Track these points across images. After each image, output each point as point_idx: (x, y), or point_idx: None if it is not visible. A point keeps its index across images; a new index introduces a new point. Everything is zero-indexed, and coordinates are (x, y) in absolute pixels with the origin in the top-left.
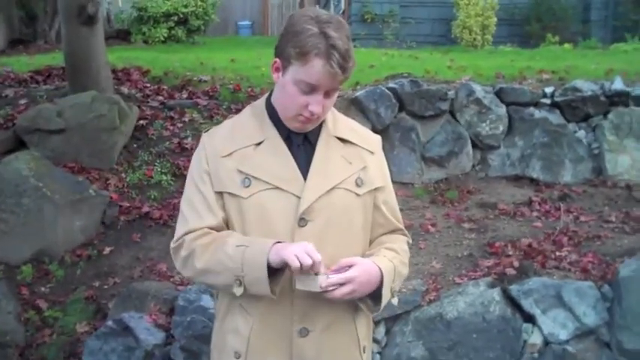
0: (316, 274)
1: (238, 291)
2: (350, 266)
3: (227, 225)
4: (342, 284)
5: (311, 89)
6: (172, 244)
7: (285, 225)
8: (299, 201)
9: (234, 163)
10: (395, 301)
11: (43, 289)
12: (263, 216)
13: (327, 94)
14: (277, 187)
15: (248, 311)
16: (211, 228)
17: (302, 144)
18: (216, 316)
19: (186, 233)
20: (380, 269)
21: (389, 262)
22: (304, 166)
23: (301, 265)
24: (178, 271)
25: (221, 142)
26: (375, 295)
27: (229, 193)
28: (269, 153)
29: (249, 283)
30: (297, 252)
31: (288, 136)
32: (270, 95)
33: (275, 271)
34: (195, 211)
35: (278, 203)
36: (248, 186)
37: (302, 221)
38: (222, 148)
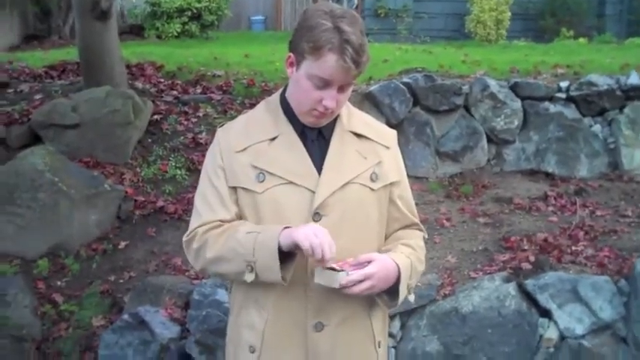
0: (335, 269)
1: (250, 277)
2: (369, 262)
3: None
4: (360, 280)
5: (325, 84)
6: (185, 238)
7: (299, 220)
8: (313, 196)
9: (249, 158)
10: (412, 297)
11: (59, 283)
12: (277, 211)
13: (342, 89)
14: (291, 182)
15: (263, 305)
16: (224, 222)
17: (316, 139)
18: (230, 310)
19: (199, 226)
20: (397, 265)
21: (406, 258)
22: (319, 161)
23: (313, 248)
24: (190, 264)
25: (235, 137)
26: (392, 291)
27: (243, 188)
28: (283, 148)
29: (261, 269)
30: (307, 232)
31: (303, 131)
32: (284, 90)
33: (287, 258)
34: (208, 205)
35: (292, 198)
36: (262, 181)
37: (316, 216)
38: (236, 143)
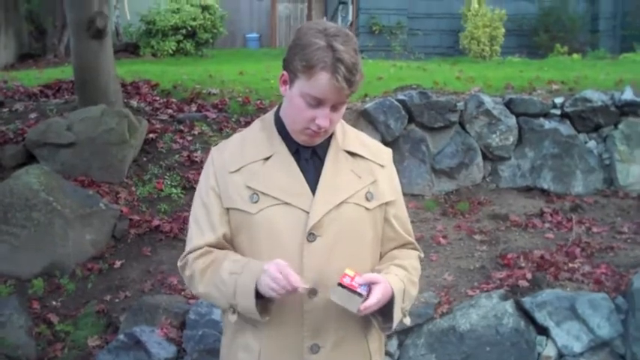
0: (352, 290)
1: (232, 318)
2: (373, 283)
3: (232, 241)
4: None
5: (318, 103)
6: (179, 263)
7: (294, 240)
8: (308, 216)
9: (243, 178)
10: (407, 320)
11: (54, 303)
12: (272, 232)
13: (335, 108)
14: (286, 203)
15: (258, 327)
16: (211, 245)
17: (311, 158)
18: (224, 331)
19: (190, 252)
20: (392, 288)
21: (399, 281)
22: (313, 181)
23: (279, 292)
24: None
25: (230, 157)
26: (384, 312)
27: (238, 209)
28: (277, 168)
29: (242, 311)
30: (266, 283)
31: (297, 150)
32: (279, 109)
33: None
34: (199, 227)
35: (287, 218)
36: (256, 202)
37: (311, 236)
38: (230, 163)
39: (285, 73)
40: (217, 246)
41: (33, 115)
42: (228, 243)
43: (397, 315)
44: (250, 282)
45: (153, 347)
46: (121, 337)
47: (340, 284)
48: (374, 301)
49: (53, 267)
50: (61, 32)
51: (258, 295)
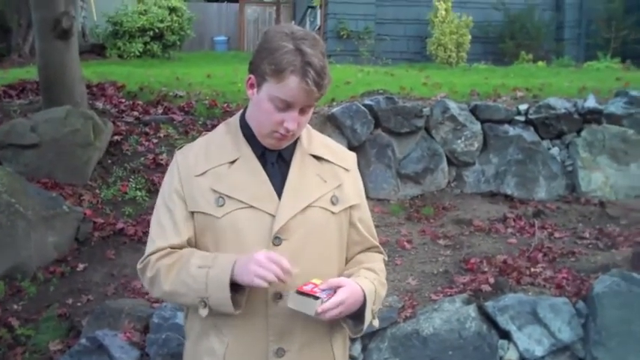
0: (309, 294)
1: (204, 312)
2: (338, 287)
3: (197, 245)
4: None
5: (286, 106)
6: (139, 265)
7: (259, 244)
8: (273, 220)
9: (208, 181)
10: (376, 322)
11: (15, 306)
12: (237, 235)
13: (303, 111)
14: (251, 206)
15: (223, 332)
16: (174, 247)
17: (276, 162)
18: (187, 336)
19: (151, 253)
20: (363, 291)
21: (370, 283)
22: (279, 185)
23: (266, 280)
24: (146, 291)
25: (195, 161)
26: (356, 316)
27: (203, 213)
28: (243, 171)
29: (214, 304)
30: (249, 270)
31: (263, 153)
32: (244, 112)
33: (240, 288)
34: (162, 230)
35: (252, 222)
36: (222, 205)
37: (277, 240)
38: (195, 167)
39: (252, 76)
40: (180, 249)
41: None
42: (192, 247)
43: (368, 317)
44: (223, 274)
45: (116, 351)
46: (83, 341)
47: (298, 291)
48: (334, 303)
49: (14, 270)
50: (26, 32)
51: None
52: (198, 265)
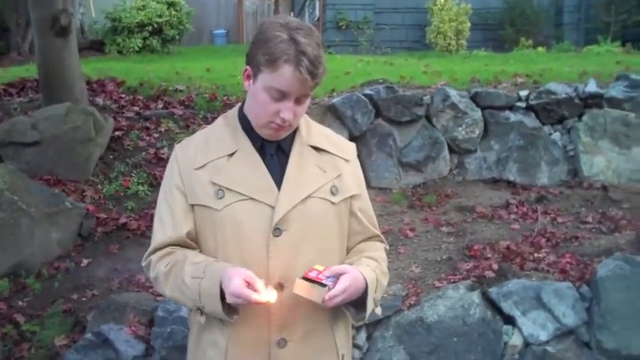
0: (316, 281)
1: (202, 319)
2: (341, 274)
3: (198, 238)
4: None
5: (282, 96)
6: (143, 262)
7: (260, 235)
8: (273, 211)
9: (208, 174)
10: (379, 310)
11: (20, 303)
12: (237, 227)
13: (299, 101)
14: (251, 198)
15: (225, 323)
16: (173, 243)
17: (275, 153)
18: (191, 328)
19: (153, 251)
20: (365, 279)
21: (372, 271)
22: (278, 176)
23: (248, 301)
24: (151, 284)
25: (194, 154)
26: (358, 304)
27: (203, 206)
28: (242, 163)
29: (209, 312)
30: (236, 293)
31: (262, 145)
32: (242, 105)
33: None
34: (162, 225)
35: (252, 214)
36: (222, 197)
37: (277, 231)
38: (195, 160)
39: (248, 67)
40: (180, 244)
41: None
42: (193, 241)
43: (370, 305)
44: (213, 286)
45: (121, 345)
46: (89, 335)
47: (304, 277)
48: (340, 290)
49: (19, 267)
50: (25, 30)
51: (225, 296)
52: (191, 275)
